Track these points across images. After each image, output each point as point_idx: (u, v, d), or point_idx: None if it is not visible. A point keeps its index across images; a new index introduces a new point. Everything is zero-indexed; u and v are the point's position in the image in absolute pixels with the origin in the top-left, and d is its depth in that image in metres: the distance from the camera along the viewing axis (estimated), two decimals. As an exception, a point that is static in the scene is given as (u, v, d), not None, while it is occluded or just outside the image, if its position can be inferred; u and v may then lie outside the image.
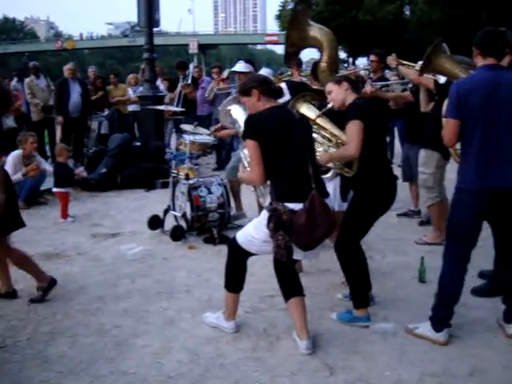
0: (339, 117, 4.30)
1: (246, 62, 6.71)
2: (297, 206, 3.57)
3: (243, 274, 4.04)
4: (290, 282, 3.96)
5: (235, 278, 4.04)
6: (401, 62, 6.12)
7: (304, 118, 4.02)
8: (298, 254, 3.70)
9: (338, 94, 4.26)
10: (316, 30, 5.43)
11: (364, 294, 4.26)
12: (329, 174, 4.84)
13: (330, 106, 4.39)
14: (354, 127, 4.02)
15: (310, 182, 3.66)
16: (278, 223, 3.53)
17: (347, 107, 4.20)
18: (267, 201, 3.95)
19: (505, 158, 3.70)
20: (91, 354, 3.81)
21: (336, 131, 4.39)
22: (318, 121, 4.46)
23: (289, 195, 3.63)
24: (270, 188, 3.82)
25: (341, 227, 4.31)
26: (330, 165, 4.43)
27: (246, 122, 3.77)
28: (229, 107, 5.32)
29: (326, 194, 3.84)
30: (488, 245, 4.38)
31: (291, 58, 5.98)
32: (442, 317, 3.93)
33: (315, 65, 5.68)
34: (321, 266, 5.40)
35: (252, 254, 3.95)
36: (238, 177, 4.40)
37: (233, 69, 7.11)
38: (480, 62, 3.82)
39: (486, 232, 4.04)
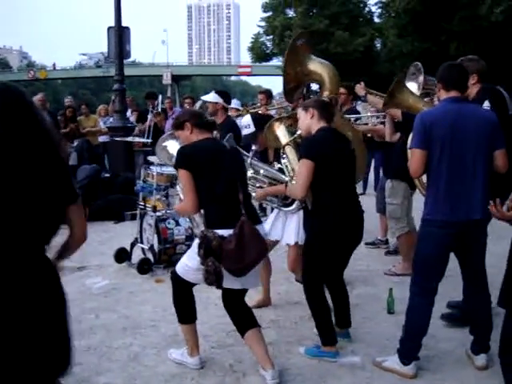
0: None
1: (219, 92, 6.69)
2: (227, 232, 3.61)
3: (191, 303, 4.02)
4: (242, 316, 3.94)
5: (184, 308, 4.01)
6: (369, 91, 6.15)
7: (236, 149, 4.07)
8: (235, 283, 3.72)
9: (303, 121, 4.24)
10: (316, 65, 5.24)
11: (330, 331, 4.19)
12: (292, 207, 4.82)
13: (298, 133, 4.38)
14: (302, 167, 4.00)
15: (240, 208, 3.70)
16: (207, 250, 3.55)
17: (304, 139, 4.20)
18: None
19: (471, 190, 3.71)
20: (51, 393, 3.68)
21: (295, 165, 4.38)
22: (286, 149, 4.44)
23: (219, 222, 3.69)
24: (202, 217, 3.88)
25: (302, 255, 4.32)
26: (266, 200, 4.54)
27: (178, 152, 3.84)
28: (165, 143, 5.31)
29: (258, 221, 3.88)
30: (457, 274, 4.39)
31: (292, 93, 5.56)
32: (409, 349, 3.89)
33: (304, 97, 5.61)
34: (290, 299, 5.36)
35: (194, 284, 3.94)
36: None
37: (202, 98, 7.10)
38: (443, 95, 3.86)
39: (454, 263, 4.04)
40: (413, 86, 5.17)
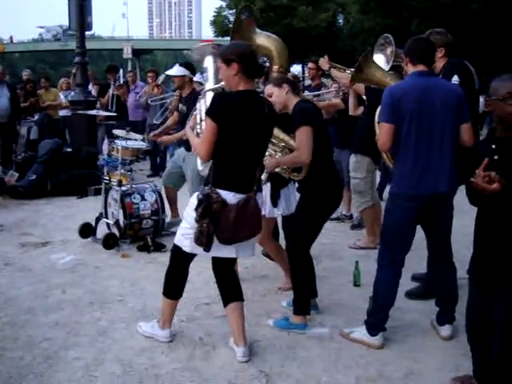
0: (280, 120, 4.30)
1: (183, 65, 6.59)
2: (231, 197, 3.51)
3: (183, 281, 3.93)
4: (229, 286, 3.89)
5: (175, 283, 3.93)
6: (333, 65, 6.13)
7: (273, 112, 3.82)
8: (230, 252, 3.68)
9: (279, 97, 4.22)
10: (264, 39, 5.14)
11: (306, 301, 4.26)
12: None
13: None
14: (305, 133, 4.01)
15: (254, 178, 3.61)
16: (206, 210, 3.45)
17: (294, 111, 4.16)
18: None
19: (438, 163, 3.76)
20: (20, 368, 3.64)
21: (282, 135, 4.34)
22: None
23: (228, 183, 3.53)
24: (209, 170, 3.68)
25: (292, 232, 4.36)
26: (277, 169, 4.39)
27: (214, 101, 3.55)
28: (205, 53, 4.85)
29: (260, 189, 3.79)
30: (420, 248, 4.48)
31: None
32: (377, 321, 3.96)
33: (265, 74, 5.55)
34: (257, 273, 5.40)
35: (191, 258, 3.85)
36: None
37: (167, 72, 6.99)
38: (411, 69, 3.88)
39: (418, 235, 4.11)
40: (380, 58, 5.16)
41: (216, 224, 3.46)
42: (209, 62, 4.33)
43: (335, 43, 38.11)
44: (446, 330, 4.07)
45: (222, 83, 3.94)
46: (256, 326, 4.22)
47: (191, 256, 3.83)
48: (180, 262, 3.89)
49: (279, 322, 4.26)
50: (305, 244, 4.28)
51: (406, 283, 4.87)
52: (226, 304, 3.85)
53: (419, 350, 3.91)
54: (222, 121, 3.47)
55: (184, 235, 3.72)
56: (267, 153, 4.28)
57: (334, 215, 7.29)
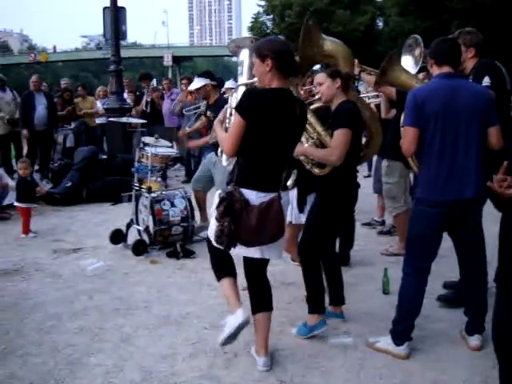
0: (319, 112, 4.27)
1: (201, 75, 6.62)
2: (253, 195, 3.41)
3: (228, 259, 3.75)
4: (260, 294, 3.78)
5: (221, 263, 3.78)
6: (363, 69, 6.00)
7: (305, 113, 3.71)
8: (254, 252, 3.57)
9: (329, 89, 4.16)
10: (330, 44, 4.99)
11: (320, 299, 4.21)
12: (287, 184, 4.75)
13: (317, 97, 4.30)
14: (344, 136, 3.97)
15: (280, 178, 3.52)
16: (228, 208, 3.36)
17: (339, 109, 4.12)
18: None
19: (463, 168, 3.65)
20: (42, 374, 3.67)
21: (318, 127, 4.26)
22: None
23: (251, 181, 3.44)
24: (233, 168, 3.59)
25: (305, 232, 4.31)
26: (301, 157, 4.31)
27: (244, 96, 3.45)
28: (242, 46, 4.75)
29: (285, 188, 3.68)
30: (453, 255, 4.34)
31: (304, 72, 5.25)
32: (402, 330, 3.86)
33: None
34: (284, 280, 5.33)
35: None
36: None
37: (189, 88, 7.01)
38: (436, 71, 3.79)
39: (451, 242, 4.00)
40: (408, 60, 5.05)
41: (236, 224, 3.37)
42: (245, 55, 4.22)
43: (374, 47, 37.79)
44: (474, 341, 3.94)
45: (255, 79, 3.82)
46: (279, 334, 4.16)
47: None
48: (218, 250, 3.70)
49: (300, 329, 4.20)
50: (318, 243, 4.23)
51: (437, 291, 4.76)
52: (254, 312, 3.75)
53: (446, 361, 3.79)
54: (251, 118, 3.37)
55: (211, 231, 3.65)
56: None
57: (365, 220, 7.29)
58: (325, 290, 4.35)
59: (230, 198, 3.39)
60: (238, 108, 3.42)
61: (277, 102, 3.44)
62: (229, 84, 6.62)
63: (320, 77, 4.24)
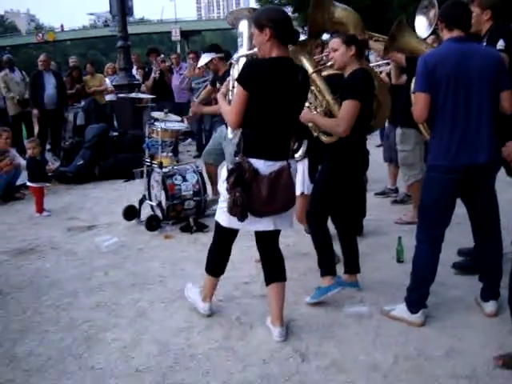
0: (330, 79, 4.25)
1: (207, 49, 6.59)
2: (261, 164, 3.42)
3: (225, 258, 3.93)
4: (273, 265, 3.82)
5: (216, 261, 3.94)
6: (371, 35, 5.88)
7: (307, 80, 3.70)
8: (267, 224, 3.59)
9: (343, 56, 4.10)
10: (341, 11, 4.92)
11: (331, 262, 4.26)
12: (298, 154, 4.74)
13: (330, 63, 4.24)
14: (352, 108, 3.94)
15: (287, 146, 3.54)
16: (238, 179, 3.38)
17: (351, 78, 4.08)
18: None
19: (476, 133, 3.60)
20: (60, 350, 3.71)
21: (327, 95, 4.23)
22: (314, 76, 4.26)
23: (259, 151, 3.45)
24: (239, 139, 3.60)
25: (312, 197, 4.34)
26: (309, 124, 4.29)
27: (245, 67, 3.47)
28: (241, 17, 4.50)
29: (293, 156, 3.73)
30: (467, 221, 4.31)
31: (314, 39, 5.23)
32: (417, 298, 3.85)
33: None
34: (299, 250, 5.33)
35: (234, 235, 3.83)
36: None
37: (198, 65, 6.97)
38: (446, 35, 3.71)
39: (464, 209, 3.97)
40: (422, 21, 4.94)
41: (248, 194, 3.39)
42: (243, 27, 4.20)
43: (383, 14, 37.19)
44: (490, 307, 3.92)
45: (256, 49, 3.80)
46: (294, 305, 4.17)
47: (233, 233, 3.80)
48: (222, 239, 3.86)
49: (313, 295, 4.22)
50: (325, 209, 4.27)
51: (451, 258, 4.74)
52: (268, 283, 3.80)
53: (462, 327, 3.79)
54: (253, 88, 3.37)
55: (220, 209, 3.68)
56: (306, 104, 4.15)
57: (378, 190, 7.26)
58: (335, 254, 4.44)
59: (239, 168, 3.41)
60: (240, 79, 3.42)
61: (278, 70, 3.43)
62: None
63: (334, 42, 4.15)
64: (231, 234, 3.81)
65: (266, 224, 3.60)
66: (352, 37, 4.19)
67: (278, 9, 3.77)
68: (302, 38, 5.04)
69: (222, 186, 3.60)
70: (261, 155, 3.45)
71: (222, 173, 3.67)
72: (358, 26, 4.85)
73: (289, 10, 42.18)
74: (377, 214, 6.42)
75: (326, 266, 4.24)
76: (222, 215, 3.69)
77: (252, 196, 3.40)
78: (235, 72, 3.99)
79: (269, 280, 3.78)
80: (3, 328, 4.07)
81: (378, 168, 7.50)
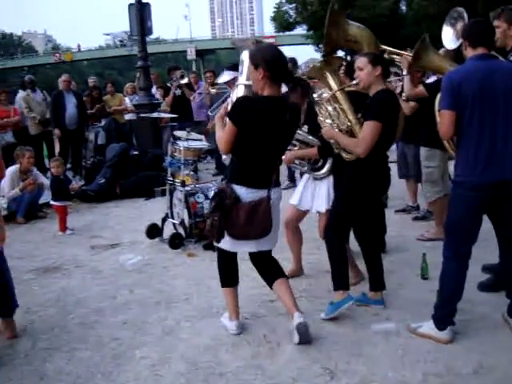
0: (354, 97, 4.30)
1: (230, 67, 6.63)
2: (243, 191, 3.67)
3: (233, 267, 4.08)
4: (269, 268, 4.02)
5: (226, 271, 4.09)
6: (384, 50, 5.73)
7: (295, 119, 3.89)
8: (250, 247, 3.85)
9: (368, 76, 4.14)
10: (355, 29, 5.03)
11: (345, 276, 4.28)
12: (323, 170, 4.76)
13: (355, 82, 4.28)
14: (373, 129, 4.00)
15: (270, 176, 3.75)
16: (219, 204, 3.65)
17: (375, 98, 4.11)
18: None
19: (503, 150, 3.61)
20: (89, 368, 3.74)
21: (350, 115, 4.26)
22: (338, 94, 4.29)
23: (243, 179, 3.71)
24: (228, 165, 3.91)
25: (332, 213, 4.41)
26: (331, 141, 4.35)
27: (236, 104, 3.69)
28: (245, 47, 4.47)
29: (277, 184, 3.87)
30: (492, 238, 4.30)
31: (329, 56, 5.41)
32: (444, 315, 3.84)
33: (350, 64, 5.35)
34: (321, 268, 5.32)
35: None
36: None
37: (217, 81, 7.03)
38: (470, 52, 3.73)
39: (489, 225, 3.96)
40: (449, 32, 4.94)
41: (226, 219, 3.63)
42: (245, 56, 4.29)
43: (398, 31, 37.31)
44: (518, 323, 3.91)
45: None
46: (320, 323, 4.17)
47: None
48: (223, 253, 4.02)
49: (327, 309, 4.25)
50: (343, 225, 4.34)
51: (477, 275, 4.72)
52: (271, 285, 3.98)
53: (490, 344, 3.77)
54: (242, 125, 3.62)
55: None
56: (329, 121, 4.29)
57: (399, 207, 7.26)
58: (360, 272, 4.58)
59: (221, 193, 3.70)
60: (230, 115, 3.66)
61: (266, 109, 3.65)
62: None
63: (361, 61, 4.18)
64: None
65: (248, 247, 3.87)
66: (378, 57, 4.24)
67: (274, 49, 3.89)
68: (319, 55, 5.11)
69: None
70: (244, 183, 3.70)
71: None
72: (372, 44, 4.92)
73: (304, 28, 42.61)
74: (398, 231, 6.42)
75: (339, 280, 4.27)
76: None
77: (230, 221, 3.65)
78: (234, 96, 4.19)
79: (271, 280, 3.98)
80: (32, 346, 4.11)
81: (396, 184, 7.50)
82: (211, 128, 7.06)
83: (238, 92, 4.12)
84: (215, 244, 3.96)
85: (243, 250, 3.93)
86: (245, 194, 3.68)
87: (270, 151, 3.75)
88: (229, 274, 4.08)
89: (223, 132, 3.77)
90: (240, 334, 4.07)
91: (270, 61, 3.64)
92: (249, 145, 3.68)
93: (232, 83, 6.59)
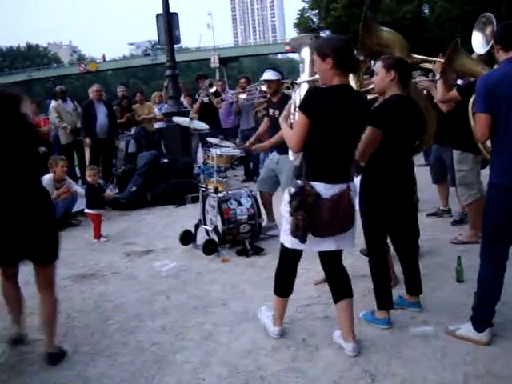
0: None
1: (275, 69, 6.69)
2: (322, 187, 3.54)
3: (292, 279, 4.01)
4: (339, 282, 3.92)
5: (283, 281, 4.02)
6: (417, 59, 5.73)
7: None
8: (330, 245, 3.72)
9: (382, 80, 4.15)
10: (387, 35, 5.06)
11: (386, 295, 4.25)
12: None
13: (370, 86, 4.29)
14: (371, 135, 3.96)
15: (347, 170, 3.65)
16: (301, 203, 3.49)
17: (382, 104, 4.11)
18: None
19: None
20: (131, 372, 3.81)
21: None
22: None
23: (320, 174, 3.57)
24: (300, 163, 3.71)
25: (363, 230, 4.33)
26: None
27: (307, 95, 3.59)
28: (303, 44, 4.57)
29: (352, 178, 3.78)
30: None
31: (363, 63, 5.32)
32: (483, 316, 3.85)
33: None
34: (356, 272, 5.33)
35: (299, 256, 3.93)
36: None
37: (262, 78, 7.06)
38: (503, 56, 3.75)
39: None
40: (478, 37, 4.93)
41: (310, 217, 3.49)
42: (306, 53, 4.27)
43: (422, 34, 37.14)
44: (557, 324, 3.90)
45: (317, 76, 3.93)
46: (359, 326, 4.17)
47: (297, 254, 3.91)
48: (287, 260, 3.96)
49: (366, 315, 4.30)
50: (376, 238, 4.26)
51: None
52: (336, 301, 3.90)
53: (529, 346, 3.77)
54: (315, 116, 3.49)
55: (284, 231, 3.80)
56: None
57: (431, 210, 7.25)
58: (391, 284, 4.40)
59: (302, 192, 3.52)
60: (302, 107, 3.54)
61: (339, 98, 3.54)
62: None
63: (376, 66, 4.21)
64: (296, 254, 3.91)
65: (328, 244, 3.72)
66: (392, 62, 4.18)
67: (341, 38, 3.89)
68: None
69: (285, 209, 3.70)
70: (321, 179, 3.57)
71: (284, 195, 3.77)
72: (404, 49, 4.93)
73: (327, 33, 42.62)
74: (431, 235, 6.41)
75: (380, 299, 4.24)
76: (285, 237, 3.80)
77: (314, 219, 3.50)
78: (297, 96, 4.10)
79: (337, 298, 3.88)
80: (73, 351, 4.19)
81: (425, 188, 7.49)
82: (246, 146, 7.12)
83: (302, 89, 4.02)
84: (286, 245, 3.83)
85: (322, 249, 3.77)
86: (324, 189, 3.54)
87: (345, 142, 3.62)
88: (286, 284, 4.01)
89: (293, 130, 3.68)
90: (278, 338, 4.11)
91: (339, 49, 3.57)
92: (323, 137, 3.54)
93: (275, 84, 6.62)
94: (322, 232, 3.60)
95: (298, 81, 4.26)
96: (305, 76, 4.15)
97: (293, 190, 3.60)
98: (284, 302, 4.06)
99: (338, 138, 3.55)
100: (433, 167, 7.25)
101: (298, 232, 3.53)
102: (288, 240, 3.77)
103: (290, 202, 3.56)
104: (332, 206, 3.52)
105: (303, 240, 3.57)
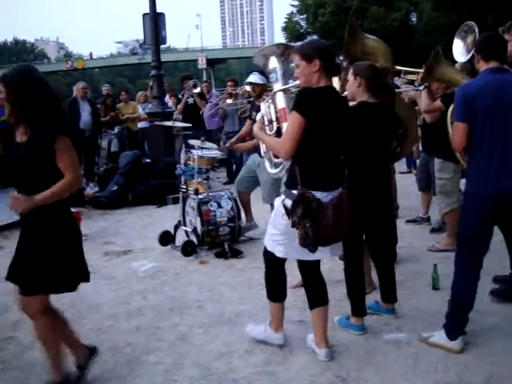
0: None
1: (261, 72, 6.68)
2: (320, 195, 3.46)
3: (283, 282, 3.97)
4: (316, 290, 3.90)
5: (274, 286, 3.98)
6: (399, 70, 5.75)
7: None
8: (325, 253, 3.67)
9: (349, 86, 4.18)
10: (372, 42, 5.08)
11: (359, 302, 4.25)
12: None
13: (345, 93, 4.31)
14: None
15: (342, 173, 3.62)
16: (307, 210, 3.37)
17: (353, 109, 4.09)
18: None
19: (514, 162, 3.66)
20: (103, 372, 3.79)
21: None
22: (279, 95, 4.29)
23: (316, 182, 3.49)
24: (291, 170, 3.62)
25: None
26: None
27: (301, 95, 3.49)
28: (269, 54, 4.27)
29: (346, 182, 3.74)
30: (502, 249, 4.34)
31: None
32: (456, 324, 3.88)
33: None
34: (333, 277, 5.35)
35: (285, 260, 3.86)
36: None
37: (247, 80, 7.04)
38: (483, 66, 3.79)
39: (500, 236, 3.99)
40: (459, 46, 4.98)
41: (316, 224, 3.39)
42: (274, 63, 4.23)
43: (409, 42, 37.41)
44: (529, 334, 3.94)
45: (292, 83, 3.92)
46: (332, 331, 4.19)
47: (284, 259, 3.86)
48: (275, 266, 3.91)
49: (341, 319, 4.32)
50: (352, 246, 4.22)
51: (488, 285, 4.74)
52: (311, 307, 3.89)
53: (500, 354, 3.79)
54: (311, 116, 3.41)
55: (276, 241, 3.72)
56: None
57: (410, 217, 7.29)
58: (365, 291, 4.38)
59: (304, 200, 3.41)
60: (297, 107, 3.45)
61: (331, 99, 3.52)
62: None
63: (349, 74, 4.24)
64: (283, 260, 3.87)
65: (323, 253, 3.66)
66: (359, 68, 4.17)
67: (324, 41, 3.88)
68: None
69: (280, 222, 3.65)
70: (319, 187, 3.49)
71: (276, 207, 3.72)
72: (388, 58, 4.97)
73: (314, 38, 42.79)
74: (409, 242, 6.44)
75: (354, 306, 4.25)
76: (277, 247, 3.72)
77: (320, 225, 3.42)
78: (271, 108, 3.96)
79: (313, 305, 3.87)
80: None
81: (408, 195, 7.54)
82: (226, 146, 7.10)
83: (278, 99, 3.92)
84: (278, 255, 3.74)
85: (317, 257, 3.69)
86: (322, 196, 3.46)
87: (338, 144, 3.58)
88: (279, 289, 3.96)
89: (284, 136, 3.58)
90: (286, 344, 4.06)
91: (325, 50, 3.55)
92: (319, 139, 3.46)
93: (260, 88, 6.57)
94: (327, 238, 3.52)
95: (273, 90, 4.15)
96: (278, 86, 4.08)
97: (288, 200, 3.53)
98: (280, 306, 3.99)
99: (331, 139, 3.51)
100: (419, 175, 7.30)
101: (309, 240, 3.41)
102: (281, 250, 3.69)
103: (293, 212, 3.44)
104: (334, 209, 3.46)
105: (314, 249, 3.48)
